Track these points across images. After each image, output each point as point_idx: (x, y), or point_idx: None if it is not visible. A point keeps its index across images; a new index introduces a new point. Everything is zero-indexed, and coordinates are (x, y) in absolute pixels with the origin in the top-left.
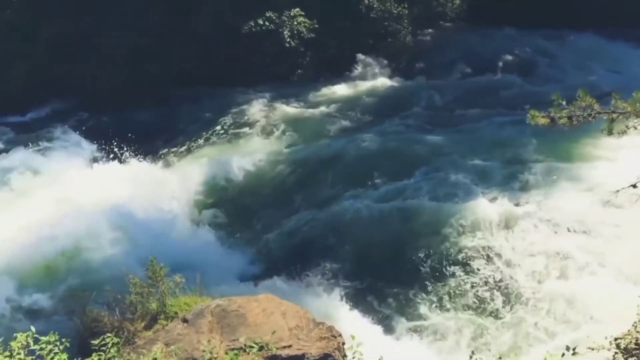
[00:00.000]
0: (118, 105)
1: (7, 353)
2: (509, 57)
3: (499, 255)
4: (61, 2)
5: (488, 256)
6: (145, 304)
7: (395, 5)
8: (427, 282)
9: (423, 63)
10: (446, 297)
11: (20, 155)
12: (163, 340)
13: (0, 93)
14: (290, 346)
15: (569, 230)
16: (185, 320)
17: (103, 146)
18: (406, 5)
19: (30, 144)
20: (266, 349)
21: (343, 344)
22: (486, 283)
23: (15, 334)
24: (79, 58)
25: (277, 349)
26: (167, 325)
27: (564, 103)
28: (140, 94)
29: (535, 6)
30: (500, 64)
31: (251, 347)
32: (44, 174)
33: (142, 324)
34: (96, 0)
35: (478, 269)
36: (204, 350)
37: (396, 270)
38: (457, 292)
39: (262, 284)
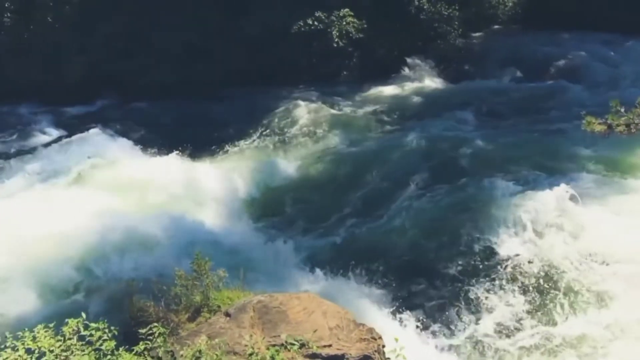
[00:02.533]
0: (168, 101)
1: (60, 337)
2: (563, 62)
3: (550, 269)
4: (117, 1)
5: (539, 270)
6: (189, 297)
7: (446, 6)
8: (474, 293)
9: (473, 66)
10: (494, 310)
11: (79, 146)
12: (206, 333)
13: (60, 85)
14: (330, 346)
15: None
16: (227, 315)
17: (152, 141)
18: (457, 7)
19: (87, 135)
20: (307, 347)
21: (383, 346)
22: (539, 299)
23: (66, 320)
24: (132, 54)
25: (318, 347)
26: (210, 318)
27: (622, 110)
28: (190, 91)
29: (591, 10)
30: (553, 69)
31: (292, 344)
32: (98, 166)
33: (186, 316)
34: None
35: (531, 284)
36: (246, 345)
37: (443, 277)
38: (505, 306)
39: (302, 282)
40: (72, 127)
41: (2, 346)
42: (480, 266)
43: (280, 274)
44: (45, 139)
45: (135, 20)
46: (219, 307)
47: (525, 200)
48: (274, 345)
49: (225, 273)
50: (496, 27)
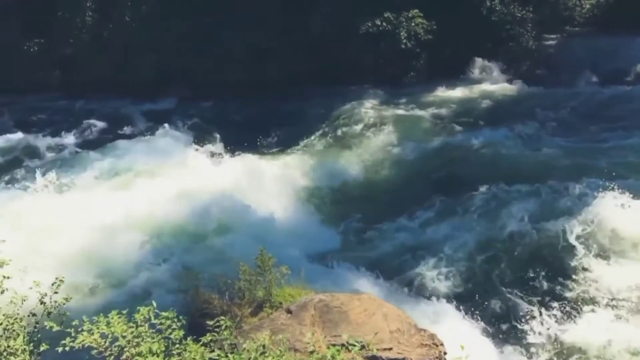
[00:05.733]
0: (235, 99)
1: (132, 324)
2: None
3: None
4: (190, 1)
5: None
6: (252, 291)
7: (519, 8)
8: (548, 301)
9: (546, 69)
10: (571, 319)
11: (148, 142)
12: (267, 328)
13: (134, 82)
14: (390, 349)
15: None
16: (289, 311)
17: (219, 138)
18: (531, 9)
19: (155, 130)
20: (367, 348)
21: (445, 353)
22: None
23: (138, 307)
24: (201, 53)
25: (378, 350)
26: (271, 314)
27: None
28: (255, 90)
29: None
30: (632, 74)
31: (353, 345)
32: (167, 161)
33: (249, 310)
34: (220, 0)
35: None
36: (307, 343)
37: (514, 284)
38: (586, 315)
39: (363, 283)
40: (144, 122)
41: (80, 329)
42: (554, 273)
43: (341, 273)
44: (119, 133)
45: (205, 20)
46: (280, 303)
47: (598, 208)
48: (334, 345)
49: (288, 270)
50: (572, 29)
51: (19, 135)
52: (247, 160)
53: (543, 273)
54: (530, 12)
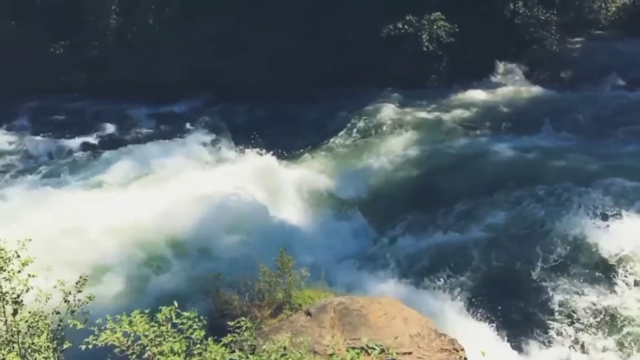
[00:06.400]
0: (259, 101)
1: (154, 323)
2: None
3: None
4: (212, 4)
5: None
6: (272, 293)
7: (543, 11)
8: (572, 309)
9: (570, 73)
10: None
11: (171, 142)
12: (287, 330)
13: (160, 84)
14: (410, 353)
15: None
16: (308, 313)
17: (243, 140)
18: (555, 12)
19: (178, 133)
20: (386, 352)
21: (465, 359)
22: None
23: (160, 307)
24: (226, 55)
25: (397, 354)
26: (291, 315)
27: None
28: (279, 92)
29: None
30: None
31: (372, 348)
32: (189, 162)
33: (268, 312)
34: (244, 2)
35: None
36: (327, 345)
37: (537, 290)
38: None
39: (383, 287)
40: (167, 125)
41: (103, 327)
42: (579, 280)
43: (360, 276)
44: (143, 134)
45: (229, 22)
46: (300, 305)
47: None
48: (353, 348)
49: (307, 272)
50: (597, 32)
51: (44, 135)
52: (268, 163)
53: (568, 278)
54: (554, 14)
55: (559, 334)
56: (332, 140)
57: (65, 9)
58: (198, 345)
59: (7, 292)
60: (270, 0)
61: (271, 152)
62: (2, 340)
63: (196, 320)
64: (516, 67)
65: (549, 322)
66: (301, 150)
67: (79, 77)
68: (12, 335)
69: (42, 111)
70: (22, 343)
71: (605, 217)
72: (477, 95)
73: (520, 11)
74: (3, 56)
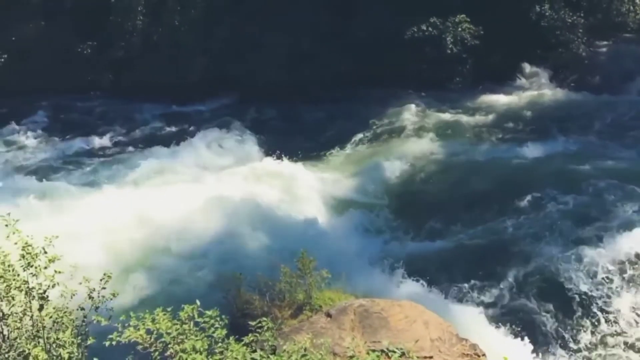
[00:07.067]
0: (279, 102)
1: (176, 321)
2: None
3: None
4: (234, 5)
5: None
6: (293, 294)
7: (570, 13)
8: (596, 315)
9: (597, 76)
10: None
11: (192, 143)
12: (307, 331)
13: (182, 85)
14: (431, 357)
15: None
16: (328, 315)
17: (260, 140)
18: (582, 14)
19: (200, 133)
20: (407, 356)
21: None
22: None
23: (183, 305)
24: (248, 57)
25: (418, 358)
26: (311, 317)
27: None
28: (299, 93)
29: None
30: None
31: (393, 351)
32: (211, 163)
33: (289, 312)
34: (264, 4)
35: None
36: (347, 347)
37: (561, 296)
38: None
39: (404, 290)
40: (189, 125)
41: (126, 324)
42: (604, 286)
43: (381, 279)
44: (166, 135)
45: (251, 24)
46: (320, 306)
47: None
48: (373, 351)
49: (328, 274)
50: (625, 35)
51: (70, 134)
52: (288, 164)
53: (592, 283)
54: (581, 17)
55: (586, 348)
56: (352, 142)
57: (93, 10)
58: (219, 344)
59: (33, 288)
60: (291, 2)
61: (291, 154)
62: (28, 335)
63: (218, 319)
64: (541, 70)
65: (575, 331)
66: (321, 152)
67: (105, 77)
68: (38, 330)
69: (68, 110)
70: (47, 338)
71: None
72: (501, 98)
73: (547, 13)
74: (33, 55)
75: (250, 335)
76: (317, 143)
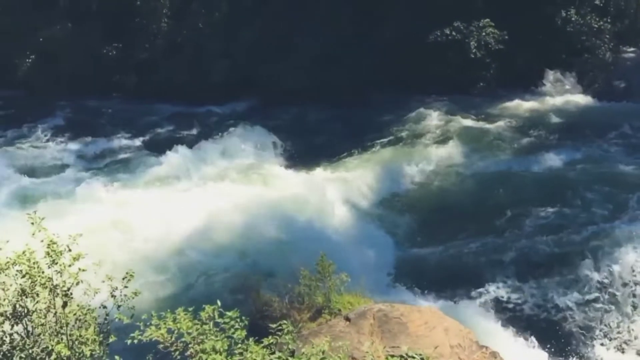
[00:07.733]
0: (301, 105)
1: (197, 321)
2: None
3: None
4: (258, 9)
5: None
6: (312, 297)
7: (597, 19)
8: (616, 324)
9: (623, 83)
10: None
11: (214, 145)
12: (326, 334)
13: (205, 87)
14: None
15: None
16: (347, 319)
17: (282, 143)
18: (609, 20)
19: (222, 135)
20: None
21: None
22: None
23: (203, 306)
24: (271, 59)
25: None
26: (330, 320)
27: None
28: (321, 97)
29: None
30: None
31: (412, 357)
32: (232, 166)
33: (308, 315)
34: (289, 7)
35: None
36: (366, 352)
37: (580, 304)
38: None
39: (424, 295)
40: (212, 127)
41: (148, 323)
42: (625, 294)
43: (401, 284)
44: (189, 136)
45: (275, 27)
46: (339, 310)
47: None
48: (392, 356)
49: (348, 277)
50: None
51: (95, 134)
52: (310, 167)
53: (612, 292)
54: (608, 23)
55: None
56: (372, 146)
57: (119, 12)
58: (239, 345)
59: (57, 285)
60: (314, 5)
61: (311, 157)
62: (51, 331)
63: (238, 320)
64: (566, 76)
65: (596, 345)
66: (342, 155)
67: (129, 79)
68: (61, 327)
69: (93, 111)
70: (70, 335)
71: None
72: (525, 104)
73: (573, 19)
74: (59, 57)
75: (270, 337)
76: (338, 146)
